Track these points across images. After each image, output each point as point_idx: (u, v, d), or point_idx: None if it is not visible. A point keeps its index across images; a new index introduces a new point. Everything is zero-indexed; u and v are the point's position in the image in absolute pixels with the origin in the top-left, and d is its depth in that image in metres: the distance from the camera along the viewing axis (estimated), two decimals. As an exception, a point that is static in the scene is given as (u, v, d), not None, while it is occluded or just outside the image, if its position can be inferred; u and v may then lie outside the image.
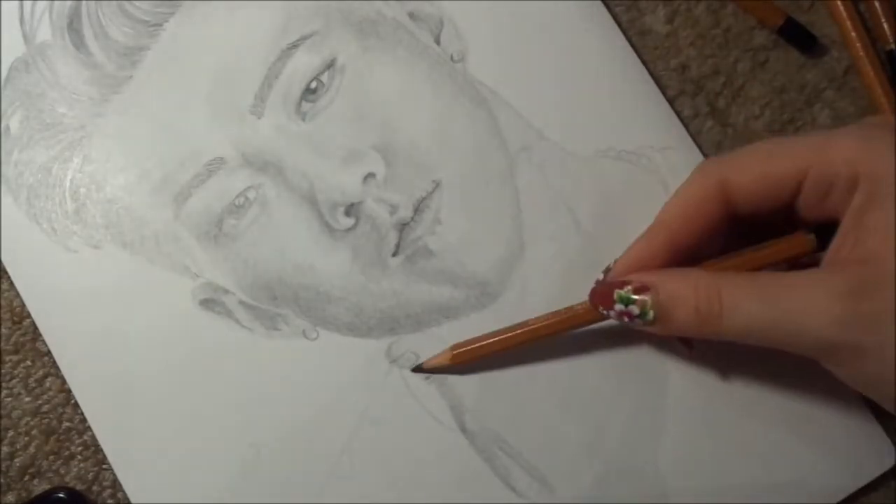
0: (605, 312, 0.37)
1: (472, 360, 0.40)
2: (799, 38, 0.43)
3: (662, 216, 0.37)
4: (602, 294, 0.37)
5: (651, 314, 0.35)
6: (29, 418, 0.41)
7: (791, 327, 0.33)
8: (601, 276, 0.38)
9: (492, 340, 0.39)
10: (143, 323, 0.40)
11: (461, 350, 0.40)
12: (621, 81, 0.42)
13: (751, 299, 0.34)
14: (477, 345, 0.40)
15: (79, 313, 0.40)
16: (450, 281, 0.41)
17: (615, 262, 0.38)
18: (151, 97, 0.41)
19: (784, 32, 0.43)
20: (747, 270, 0.36)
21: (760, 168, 0.35)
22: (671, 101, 0.43)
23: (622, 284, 0.36)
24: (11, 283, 0.41)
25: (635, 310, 0.36)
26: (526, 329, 0.39)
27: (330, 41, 0.41)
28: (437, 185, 0.41)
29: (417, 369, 0.40)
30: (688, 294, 0.35)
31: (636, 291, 0.36)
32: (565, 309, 0.39)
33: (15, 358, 0.41)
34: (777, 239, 0.37)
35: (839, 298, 0.32)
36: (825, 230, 0.35)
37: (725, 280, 0.35)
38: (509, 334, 0.39)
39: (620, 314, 0.36)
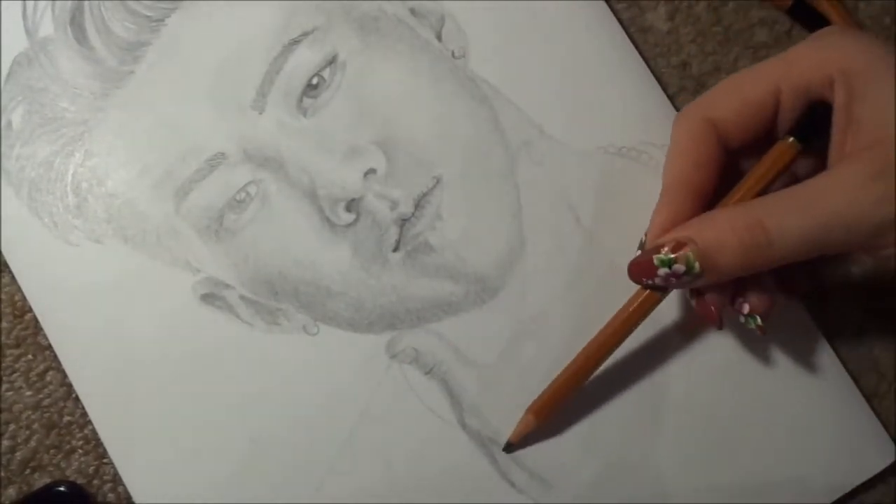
0: (649, 282, 0.36)
1: (553, 410, 0.39)
2: (809, 18, 0.43)
3: (670, 175, 0.38)
4: (642, 265, 0.36)
5: (696, 266, 0.35)
6: (30, 412, 0.41)
7: (842, 225, 0.33)
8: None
9: (561, 381, 0.39)
10: (144, 317, 0.40)
11: (539, 405, 0.39)
12: (622, 78, 0.42)
13: (793, 215, 0.34)
14: (550, 393, 0.39)
15: (80, 307, 0.40)
16: (450, 276, 0.41)
17: (644, 235, 0.38)
18: (153, 92, 0.41)
19: (794, 13, 0.43)
20: (753, 196, 0.36)
21: (736, 97, 0.36)
22: (672, 98, 0.43)
23: (657, 249, 0.36)
24: (13, 277, 0.41)
25: (680, 268, 0.35)
26: (588, 356, 0.38)
27: (331, 37, 0.41)
28: (438, 180, 0.41)
29: (509, 448, 0.40)
30: (727, 233, 0.34)
31: (674, 250, 0.35)
32: (616, 315, 0.38)
33: (16, 352, 0.41)
34: (762, 159, 0.37)
35: (873, 180, 0.33)
36: (802, 134, 0.36)
37: (760, 206, 0.35)
38: (574, 368, 0.38)
39: (667, 277, 0.35)
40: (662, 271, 0.35)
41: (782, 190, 0.35)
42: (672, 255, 0.35)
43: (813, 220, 0.33)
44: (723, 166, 0.37)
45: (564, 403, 0.39)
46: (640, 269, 0.36)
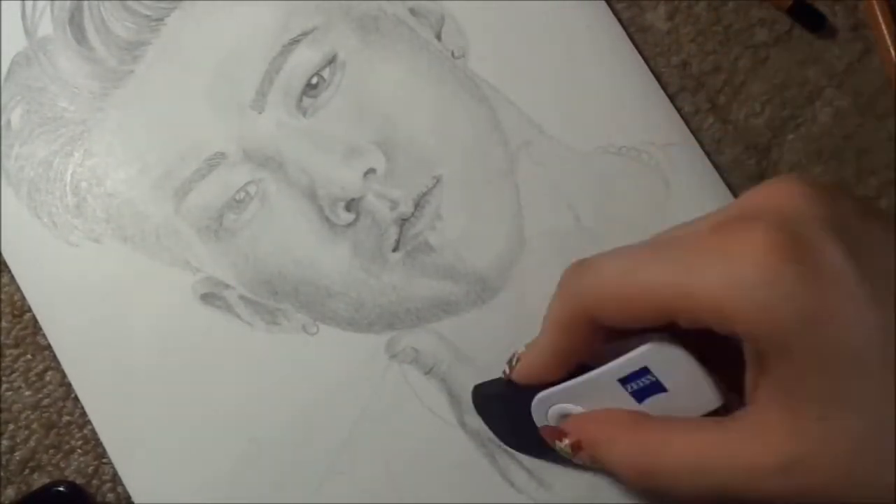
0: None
1: None
2: (808, 17, 0.43)
3: (547, 329, 0.35)
4: (549, 436, 0.37)
5: (594, 465, 0.36)
6: (29, 412, 0.41)
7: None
8: (506, 369, 0.37)
9: None
10: (143, 317, 0.40)
11: None
12: (622, 78, 0.42)
13: (682, 472, 0.31)
14: None
15: (79, 307, 0.40)
16: (450, 276, 0.41)
17: (516, 357, 0.36)
18: (152, 92, 0.41)
19: (794, 13, 0.43)
20: None
21: (623, 311, 0.31)
22: (672, 98, 0.43)
23: (560, 435, 0.36)
24: (12, 277, 0.41)
25: (579, 461, 0.36)
26: None
27: (331, 36, 0.41)
28: (438, 180, 0.41)
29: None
30: (621, 461, 0.34)
31: (573, 450, 0.36)
32: None
33: (15, 352, 0.41)
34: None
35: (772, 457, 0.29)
36: None
37: (655, 446, 0.33)
38: None
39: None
40: (563, 451, 0.36)
41: (686, 423, 0.32)
42: (572, 452, 0.36)
43: (703, 480, 0.31)
44: (602, 333, 0.33)
45: None
46: (548, 438, 0.37)
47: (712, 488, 0.31)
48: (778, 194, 0.30)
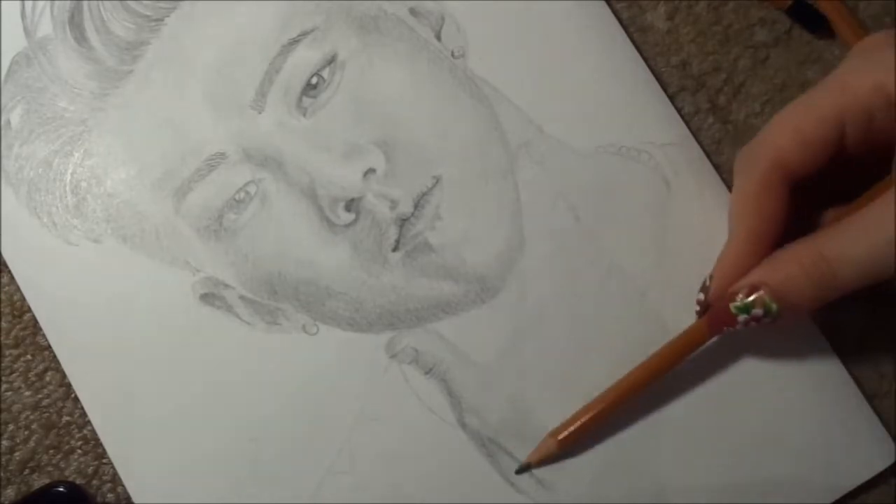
0: (731, 330, 0.37)
1: (577, 441, 0.39)
2: (808, 17, 0.43)
3: (737, 225, 0.37)
4: (720, 315, 0.37)
5: (774, 307, 0.36)
6: (29, 412, 0.41)
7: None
8: (701, 296, 0.39)
9: (591, 414, 0.39)
10: (143, 317, 0.40)
11: (566, 435, 0.39)
12: (622, 78, 0.42)
13: (851, 244, 0.34)
14: (577, 424, 0.39)
15: (79, 307, 0.40)
16: (450, 276, 0.41)
17: (709, 277, 0.38)
18: (152, 92, 0.41)
19: (793, 13, 0.43)
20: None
21: (796, 136, 0.36)
22: (672, 98, 0.43)
23: (732, 296, 0.36)
24: (12, 277, 0.41)
25: (759, 312, 0.36)
26: (622, 392, 0.39)
27: (331, 37, 0.41)
28: (438, 180, 0.41)
29: (522, 470, 0.40)
30: (795, 271, 0.35)
31: (749, 295, 0.36)
32: (653, 357, 0.39)
33: (15, 352, 0.41)
34: (871, 190, 0.37)
35: None
36: None
37: (822, 239, 0.35)
38: (606, 403, 0.39)
39: (747, 322, 0.36)
40: (742, 318, 0.36)
41: (845, 219, 0.35)
42: (749, 300, 0.36)
43: (870, 248, 0.34)
44: (791, 207, 0.37)
45: (589, 434, 0.39)
46: (719, 320, 0.37)
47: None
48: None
